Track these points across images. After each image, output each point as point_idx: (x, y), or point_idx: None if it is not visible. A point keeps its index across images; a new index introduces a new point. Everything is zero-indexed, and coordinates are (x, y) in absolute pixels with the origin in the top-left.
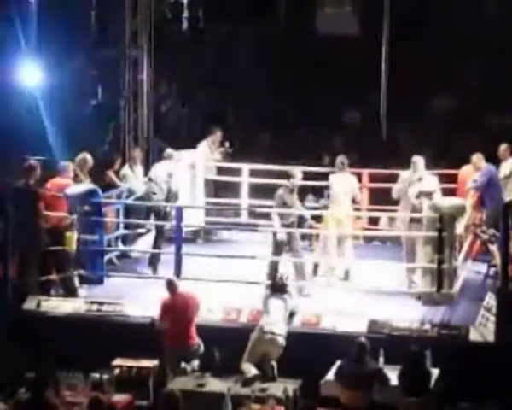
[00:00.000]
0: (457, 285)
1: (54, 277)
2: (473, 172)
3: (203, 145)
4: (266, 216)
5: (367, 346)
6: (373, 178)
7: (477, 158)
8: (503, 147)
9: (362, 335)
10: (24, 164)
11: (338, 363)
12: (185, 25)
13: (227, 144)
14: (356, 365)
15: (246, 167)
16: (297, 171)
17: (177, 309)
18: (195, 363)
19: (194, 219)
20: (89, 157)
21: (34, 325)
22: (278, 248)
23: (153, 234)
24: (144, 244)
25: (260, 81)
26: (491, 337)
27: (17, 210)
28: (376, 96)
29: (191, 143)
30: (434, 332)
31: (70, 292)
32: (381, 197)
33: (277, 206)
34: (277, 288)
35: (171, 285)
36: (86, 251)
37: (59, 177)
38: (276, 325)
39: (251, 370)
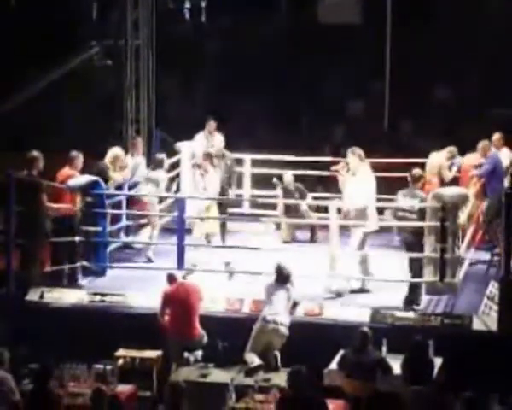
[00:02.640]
0: (460, 274)
1: (65, 266)
2: (475, 160)
3: (200, 136)
4: (268, 206)
5: (370, 335)
6: (375, 168)
7: (484, 145)
8: (497, 136)
9: (364, 325)
10: (27, 155)
11: (341, 352)
12: (187, 15)
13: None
14: (359, 354)
15: (248, 158)
16: None
17: (179, 299)
18: (199, 353)
19: (195, 209)
20: (120, 153)
21: (37, 316)
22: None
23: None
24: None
25: (262, 71)
26: (494, 326)
27: (19, 201)
28: (379, 86)
29: (193, 135)
30: (437, 321)
31: (72, 282)
32: (384, 187)
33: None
34: (281, 278)
35: (170, 278)
36: (89, 243)
37: (68, 166)
38: (279, 315)
39: (254, 360)
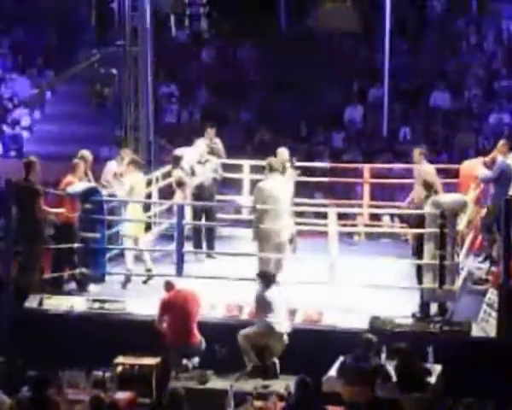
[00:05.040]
0: (459, 281)
1: (66, 273)
2: (475, 166)
3: (200, 143)
4: None
5: (374, 342)
6: (374, 174)
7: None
8: (501, 143)
9: (363, 331)
10: (24, 160)
11: (340, 359)
12: (186, 22)
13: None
14: (358, 361)
15: (247, 164)
16: None
17: (177, 306)
18: (196, 360)
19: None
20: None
21: (36, 323)
22: None
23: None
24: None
25: (261, 78)
26: (492, 333)
27: (18, 207)
28: (378, 93)
29: (192, 142)
30: (436, 328)
31: (81, 287)
32: (382, 193)
33: None
34: (268, 281)
35: (168, 286)
36: (88, 249)
37: (70, 174)
38: (283, 322)
39: (250, 356)
